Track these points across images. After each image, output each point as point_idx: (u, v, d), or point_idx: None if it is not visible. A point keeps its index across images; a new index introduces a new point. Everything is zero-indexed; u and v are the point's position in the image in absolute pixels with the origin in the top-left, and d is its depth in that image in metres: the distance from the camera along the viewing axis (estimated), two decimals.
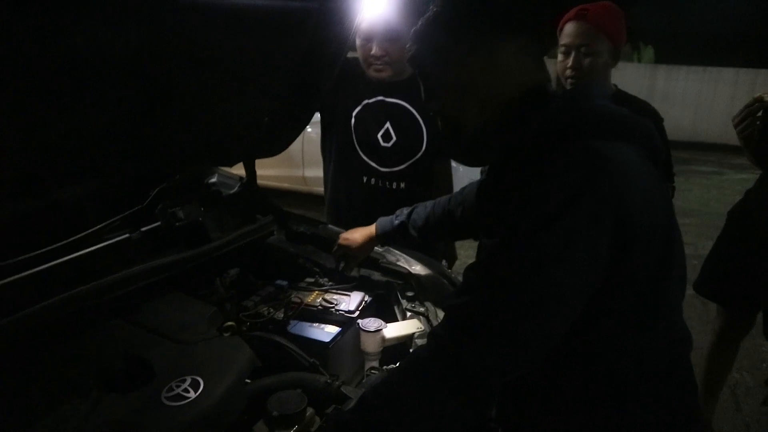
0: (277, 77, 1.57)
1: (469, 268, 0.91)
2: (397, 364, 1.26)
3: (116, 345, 1.22)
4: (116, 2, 1.02)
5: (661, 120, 1.89)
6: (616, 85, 1.93)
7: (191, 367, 1.15)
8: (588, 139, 0.87)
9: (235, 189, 1.82)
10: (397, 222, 1.59)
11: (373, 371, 1.31)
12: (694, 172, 7.52)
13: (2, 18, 0.88)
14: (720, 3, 14.18)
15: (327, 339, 1.37)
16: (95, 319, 1.28)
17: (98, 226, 1.41)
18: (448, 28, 0.97)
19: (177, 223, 1.52)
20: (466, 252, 3.26)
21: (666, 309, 0.94)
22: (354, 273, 1.66)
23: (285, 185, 5.31)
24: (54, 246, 1.31)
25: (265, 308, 1.47)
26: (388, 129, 2.10)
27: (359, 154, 2.11)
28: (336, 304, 1.49)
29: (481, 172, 1.25)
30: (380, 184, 2.13)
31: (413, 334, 1.41)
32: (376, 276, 1.67)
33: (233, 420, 1.09)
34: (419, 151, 2.11)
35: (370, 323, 1.40)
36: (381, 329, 1.39)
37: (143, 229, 1.48)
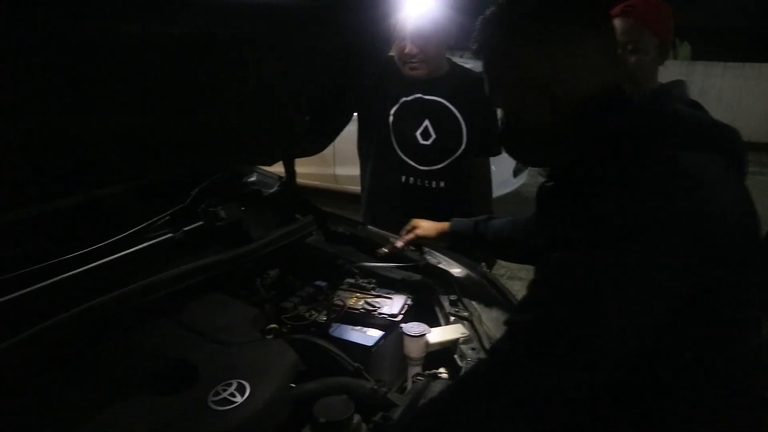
0: (317, 75, 1.56)
1: (535, 283, 0.87)
2: (452, 379, 1.22)
3: (161, 346, 1.21)
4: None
5: None
6: (661, 83, 1.87)
7: (236, 370, 1.13)
8: (669, 149, 0.82)
9: (275, 188, 1.81)
10: (473, 223, 1.56)
11: (419, 377, 1.27)
12: None
13: (43, 15, 0.87)
14: None
15: (370, 343, 1.34)
16: (140, 319, 1.27)
17: (142, 225, 1.40)
18: (522, 16, 0.92)
19: (218, 223, 1.51)
20: None
21: (739, 331, 0.88)
22: (417, 257, 1.66)
23: (315, 183, 5.30)
24: (99, 245, 1.31)
25: (305, 310, 1.45)
26: (426, 127, 2.06)
27: (398, 153, 2.08)
28: (378, 307, 1.46)
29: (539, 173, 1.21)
30: (419, 183, 2.10)
31: (458, 339, 1.37)
32: (417, 278, 1.63)
33: (279, 426, 1.08)
34: (459, 148, 2.07)
35: (414, 327, 1.36)
36: (425, 334, 1.35)
37: (186, 228, 1.47)
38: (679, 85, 1.34)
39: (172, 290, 1.34)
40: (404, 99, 2.05)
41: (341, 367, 1.25)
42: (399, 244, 1.68)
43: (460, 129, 2.06)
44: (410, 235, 1.68)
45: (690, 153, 0.82)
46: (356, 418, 1.07)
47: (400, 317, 1.43)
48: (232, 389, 1.07)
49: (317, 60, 1.49)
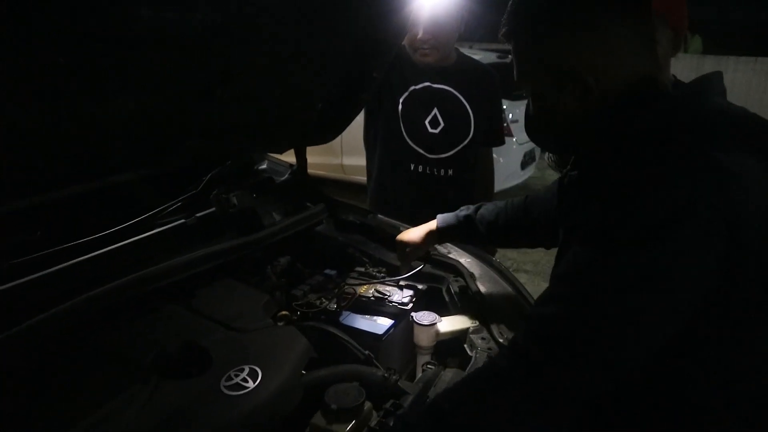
0: (331, 62, 1.55)
1: (557, 276, 0.86)
2: (468, 371, 1.21)
3: (173, 331, 1.22)
4: None
5: None
6: (674, 76, 1.85)
7: (248, 356, 1.14)
8: (707, 145, 0.78)
9: (286, 176, 1.81)
10: (462, 215, 1.50)
11: (429, 366, 1.28)
12: None
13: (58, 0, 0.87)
14: None
15: (380, 331, 1.35)
16: (152, 304, 1.28)
17: (154, 211, 1.41)
18: (553, 0, 0.88)
19: (231, 210, 1.51)
20: None
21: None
22: (411, 268, 1.59)
23: (322, 173, 5.30)
24: (112, 230, 1.32)
25: (315, 298, 1.45)
26: (435, 115, 2.07)
27: (407, 141, 2.08)
28: (389, 296, 1.46)
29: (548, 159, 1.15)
30: (428, 171, 2.10)
31: (468, 329, 1.38)
32: (427, 268, 1.63)
33: (290, 411, 1.08)
34: (467, 137, 2.08)
35: (424, 317, 1.37)
36: (435, 323, 1.36)
37: (198, 215, 1.48)
38: (718, 76, 1.33)
39: (185, 276, 1.35)
40: (413, 87, 2.05)
41: (352, 355, 1.26)
42: (406, 274, 1.58)
43: (468, 118, 2.06)
44: (408, 258, 1.58)
45: (731, 150, 0.78)
46: (367, 405, 1.08)
47: (410, 306, 1.43)
48: (244, 374, 1.08)
49: (332, 47, 1.49)
